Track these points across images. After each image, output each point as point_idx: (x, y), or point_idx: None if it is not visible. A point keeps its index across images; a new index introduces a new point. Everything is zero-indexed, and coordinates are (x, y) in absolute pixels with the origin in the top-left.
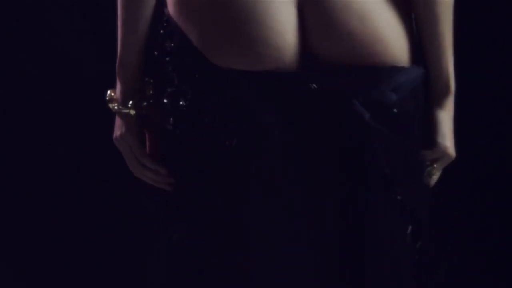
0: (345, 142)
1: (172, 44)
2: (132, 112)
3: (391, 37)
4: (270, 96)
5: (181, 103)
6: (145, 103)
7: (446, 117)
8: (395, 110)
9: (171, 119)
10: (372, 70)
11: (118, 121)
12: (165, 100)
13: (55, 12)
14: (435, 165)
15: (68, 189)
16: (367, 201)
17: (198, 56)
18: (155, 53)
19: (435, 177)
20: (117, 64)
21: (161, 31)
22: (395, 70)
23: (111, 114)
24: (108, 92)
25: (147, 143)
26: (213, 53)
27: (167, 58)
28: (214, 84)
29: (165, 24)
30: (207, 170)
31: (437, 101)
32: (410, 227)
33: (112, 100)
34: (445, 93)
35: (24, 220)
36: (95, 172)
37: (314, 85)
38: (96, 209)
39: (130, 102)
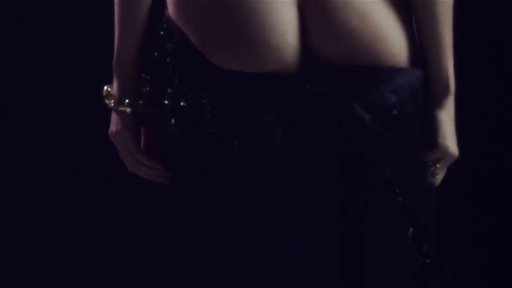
0: (345, 143)
1: (172, 45)
2: (128, 110)
3: (392, 36)
4: (270, 96)
5: (181, 104)
6: (141, 101)
7: (446, 117)
8: (395, 112)
9: (172, 120)
10: (371, 72)
11: (114, 117)
12: (166, 102)
13: (55, 12)
14: (437, 165)
15: (68, 189)
16: (367, 202)
17: (198, 56)
18: (155, 54)
19: (438, 177)
20: (114, 61)
21: (161, 33)
22: (394, 71)
23: (111, 114)
24: (105, 88)
25: (142, 138)
26: (213, 54)
27: (167, 59)
28: (214, 84)
29: (165, 25)
30: (207, 170)
31: (437, 102)
32: (411, 229)
33: (108, 96)
34: (445, 93)
35: (24, 220)
36: (95, 172)
37: (314, 86)
38: (96, 208)
39: (127, 100)
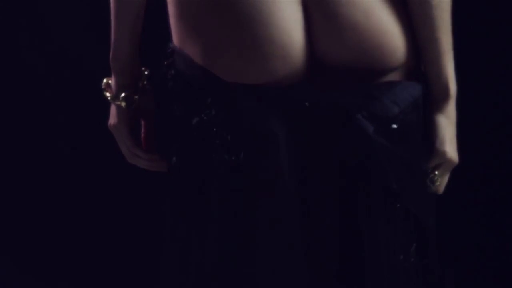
0: (349, 155)
1: (173, 72)
2: (124, 104)
3: (395, 31)
4: (275, 110)
5: (188, 124)
6: (137, 96)
7: (445, 122)
8: (398, 123)
9: (178, 141)
10: (373, 84)
11: (112, 109)
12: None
13: (54, 8)
14: (436, 172)
15: (69, 188)
16: (370, 215)
17: (201, 72)
18: (159, 81)
19: (439, 184)
20: (110, 57)
21: (165, 62)
22: (395, 83)
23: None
24: (104, 80)
25: (142, 130)
26: (217, 57)
27: (170, 83)
28: (219, 99)
29: (169, 55)
30: (214, 182)
31: (437, 105)
32: (414, 244)
33: (107, 88)
34: (444, 97)
35: (25, 219)
36: (95, 172)
37: (317, 99)
38: (100, 212)
39: (122, 95)
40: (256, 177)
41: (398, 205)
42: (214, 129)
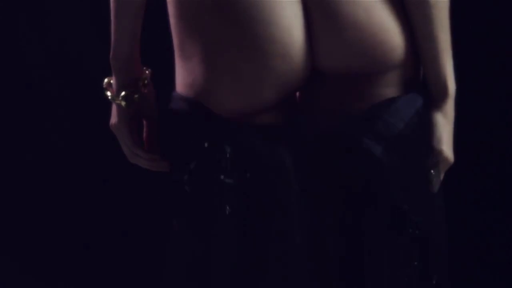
0: (358, 179)
1: (170, 116)
2: (123, 103)
3: (396, 29)
4: (279, 139)
5: (190, 166)
6: (136, 95)
7: (443, 121)
8: (404, 138)
9: (185, 177)
10: (374, 104)
11: (114, 109)
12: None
13: (55, 11)
14: (432, 171)
15: (70, 188)
16: (377, 235)
17: (197, 112)
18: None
19: (435, 183)
20: (110, 56)
21: (168, 107)
22: (395, 99)
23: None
24: (106, 80)
25: (144, 129)
26: (218, 57)
27: (168, 129)
28: (221, 135)
29: (169, 101)
30: (222, 217)
31: (435, 104)
32: (418, 261)
33: (108, 88)
34: (442, 96)
35: (25, 219)
36: (96, 172)
37: (320, 128)
38: (101, 212)
39: (122, 93)
40: (265, 209)
41: (407, 223)
42: (219, 167)
